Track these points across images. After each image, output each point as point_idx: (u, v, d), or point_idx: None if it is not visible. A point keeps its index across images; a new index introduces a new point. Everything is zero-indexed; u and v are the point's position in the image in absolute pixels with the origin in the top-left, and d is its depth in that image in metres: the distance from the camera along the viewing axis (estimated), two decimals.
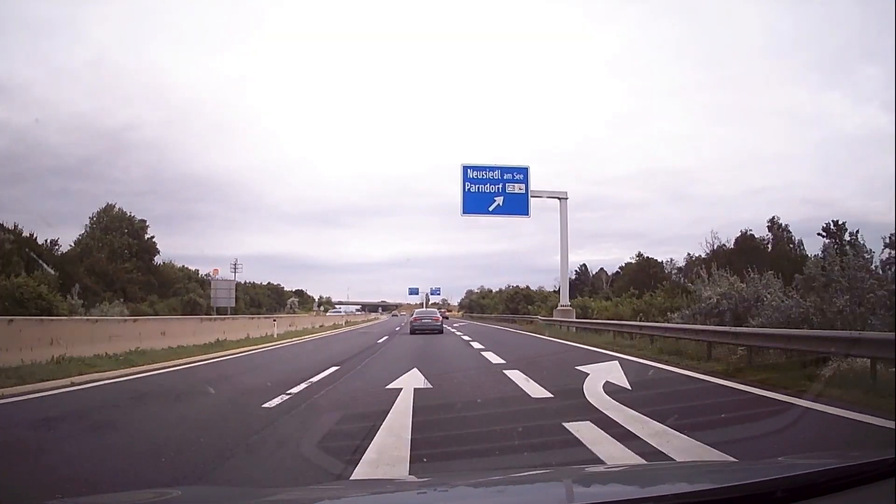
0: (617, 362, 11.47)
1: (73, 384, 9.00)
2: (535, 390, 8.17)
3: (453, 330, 30.24)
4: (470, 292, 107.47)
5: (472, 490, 2.50)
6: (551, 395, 7.70)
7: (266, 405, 7.06)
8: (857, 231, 24.56)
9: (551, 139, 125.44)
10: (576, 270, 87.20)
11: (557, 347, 17.33)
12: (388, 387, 8.48)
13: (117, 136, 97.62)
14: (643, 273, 66.95)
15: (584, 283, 78.22)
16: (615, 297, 40.18)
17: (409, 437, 5.27)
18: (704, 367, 10.67)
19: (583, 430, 5.32)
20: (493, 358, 13.44)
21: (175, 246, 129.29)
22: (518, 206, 28.52)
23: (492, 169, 28.77)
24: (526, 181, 28.76)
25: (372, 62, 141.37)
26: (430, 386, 8.64)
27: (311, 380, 9.36)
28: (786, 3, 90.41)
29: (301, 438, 5.40)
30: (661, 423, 5.50)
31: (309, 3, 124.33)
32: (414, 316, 32.72)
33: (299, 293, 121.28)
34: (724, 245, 63.23)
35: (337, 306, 69.90)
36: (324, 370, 10.88)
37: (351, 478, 4.07)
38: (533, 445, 4.95)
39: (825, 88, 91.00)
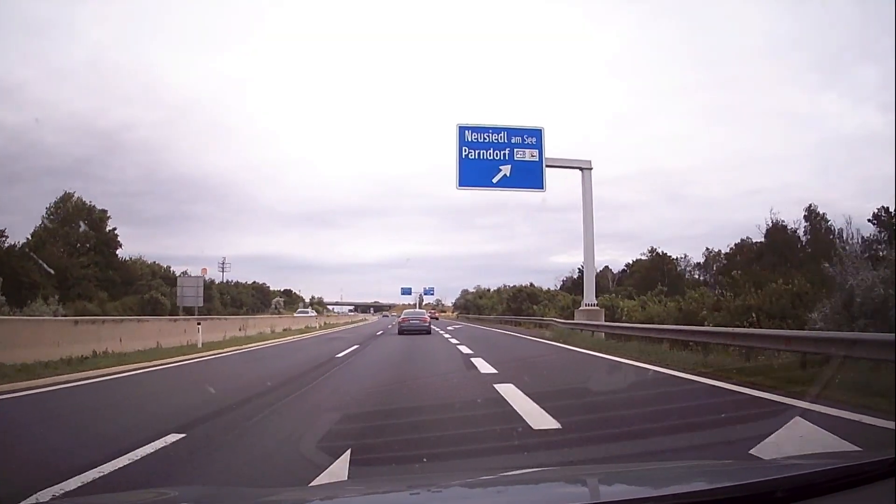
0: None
1: None
2: None
3: (446, 336, 23.82)
4: (465, 292, 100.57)
5: (470, 490, 2.42)
6: None
7: None
8: None
9: (548, 139, 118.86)
10: (578, 269, 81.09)
11: (635, 376, 10.00)
12: None
13: (113, 137, 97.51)
14: (656, 270, 60.22)
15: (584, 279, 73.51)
16: (637, 297, 33.44)
17: None
18: None
19: None
20: (528, 405, 6.53)
21: (171, 246, 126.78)
22: (530, 176, 21.82)
23: (496, 130, 22.03)
24: (540, 146, 22.08)
25: (369, 62, 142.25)
26: None
27: None
28: (783, 3, 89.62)
29: None
30: None
31: (304, 4, 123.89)
32: (402, 317, 32.18)
33: (287, 293, 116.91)
34: (748, 239, 56.90)
35: (304, 308, 62.69)
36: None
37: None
38: None
39: (823, 89, 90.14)
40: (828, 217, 44.72)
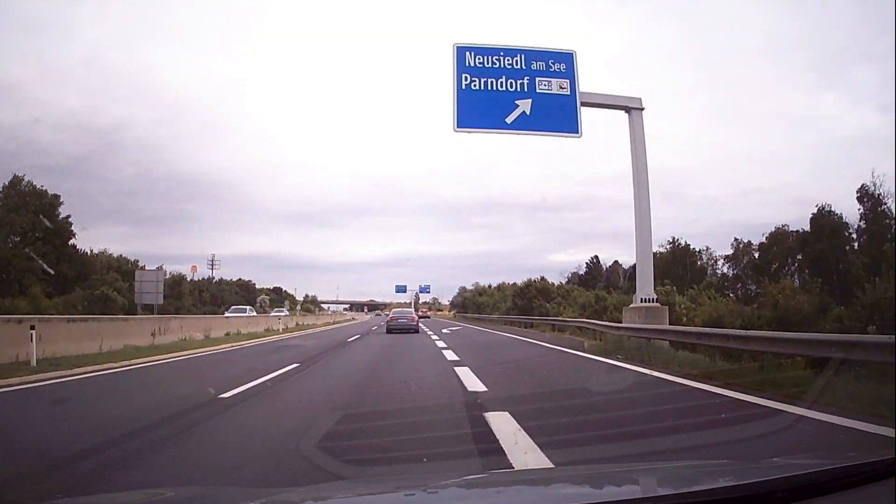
0: None
1: None
2: None
3: (440, 346, 16.83)
4: (463, 289, 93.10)
5: (470, 491, 2.44)
6: None
7: None
8: None
9: (544, 139, 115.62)
10: (586, 263, 74.18)
11: None
12: None
13: (109, 135, 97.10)
14: (677, 264, 52.78)
15: (596, 277, 66.47)
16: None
17: None
18: None
19: None
20: None
21: (168, 246, 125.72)
22: (559, 116, 14.78)
23: (510, 52, 15.10)
24: (572, 75, 14.94)
25: (366, 62, 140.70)
26: None
27: None
28: (782, 4, 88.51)
29: None
30: None
31: (302, 4, 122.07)
32: (390, 316, 32.92)
33: (277, 290, 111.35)
34: (784, 227, 49.72)
35: (280, 308, 55.47)
36: None
37: None
38: None
39: (821, 90, 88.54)
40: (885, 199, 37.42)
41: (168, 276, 63.90)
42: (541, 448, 4.16)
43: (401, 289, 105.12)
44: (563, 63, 15.59)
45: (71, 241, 49.78)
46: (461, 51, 15.37)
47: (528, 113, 14.90)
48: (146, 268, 65.41)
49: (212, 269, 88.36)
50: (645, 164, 15.23)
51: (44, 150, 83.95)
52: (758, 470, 2.33)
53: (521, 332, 27.50)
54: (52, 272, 43.68)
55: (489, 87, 14.99)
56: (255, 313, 45.82)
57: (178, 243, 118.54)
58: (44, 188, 49.31)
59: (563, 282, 60.59)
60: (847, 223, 42.02)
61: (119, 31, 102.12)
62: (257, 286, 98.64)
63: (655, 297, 14.73)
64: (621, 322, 15.19)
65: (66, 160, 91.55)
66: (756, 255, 49.20)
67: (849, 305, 20.00)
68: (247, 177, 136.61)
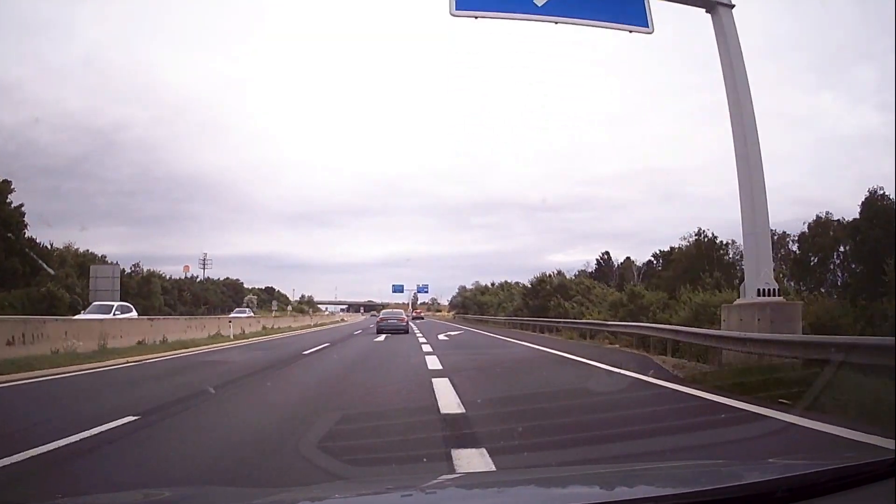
0: None
1: None
2: None
3: (434, 366, 11.38)
4: (463, 289, 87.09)
5: (470, 491, 2.44)
6: None
7: None
8: None
9: (543, 139, 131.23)
10: (597, 260, 68.36)
11: None
12: None
13: (108, 135, 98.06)
14: (702, 258, 46.23)
15: (606, 275, 61.18)
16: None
17: None
18: None
19: None
20: None
21: (166, 247, 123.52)
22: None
23: None
24: None
25: (365, 62, 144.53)
26: None
27: None
28: (781, 3, 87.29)
29: None
30: None
31: (300, 4, 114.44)
32: (380, 316, 33.21)
33: (269, 290, 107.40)
34: (828, 215, 43.65)
35: (242, 308, 49.81)
36: None
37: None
38: None
39: (820, 89, 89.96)
40: None
41: (144, 273, 58.62)
42: None
43: (398, 288, 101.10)
44: None
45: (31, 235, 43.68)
46: None
47: None
48: (141, 267, 60.16)
49: (203, 268, 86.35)
50: (746, 85, 9.38)
51: (43, 150, 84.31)
52: (758, 470, 2.39)
53: (540, 338, 21.53)
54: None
55: None
56: (251, 315, 40.63)
57: (178, 243, 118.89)
58: None
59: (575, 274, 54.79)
60: None
61: (118, 31, 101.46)
62: (250, 286, 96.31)
63: (776, 286, 8.71)
64: (721, 326, 9.16)
65: (65, 160, 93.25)
66: (792, 246, 42.94)
67: None
68: (246, 177, 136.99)
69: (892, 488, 1.79)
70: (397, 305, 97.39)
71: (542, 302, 31.80)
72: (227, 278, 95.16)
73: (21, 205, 45.77)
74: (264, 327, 29.16)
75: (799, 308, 8.89)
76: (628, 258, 72.21)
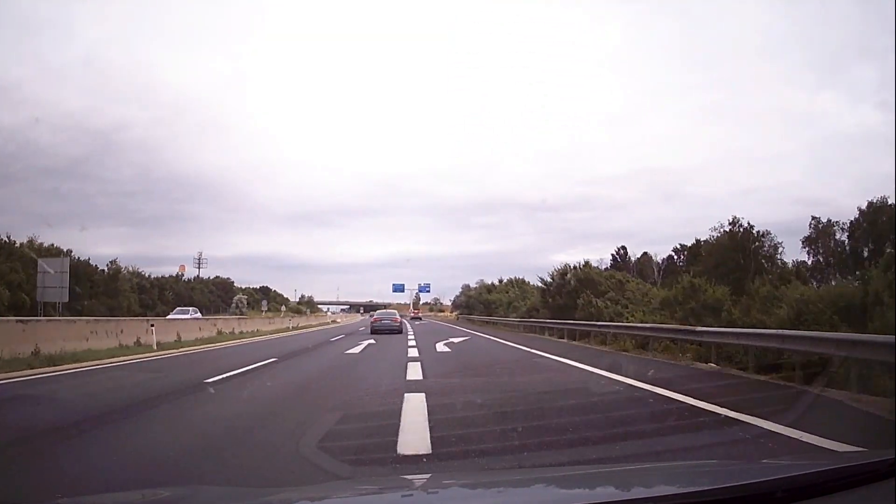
0: None
1: None
2: None
3: (415, 436, 5.30)
4: (466, 287, 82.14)
5: (470, 491, 2.44)
6: None
7: None
8: None
9: (543, 139, 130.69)
10: (612, 255, 63.50)
11: None
12: None
13: (108, 136, 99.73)
14: (737, 251, 40.38)
15: (623, 270, 56.26)
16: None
17: None
18: None
19: None
20: None
21: (167, 247, 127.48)
22: None
23: None
24: None
25: (365, 62, 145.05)
26: None
27: None
28: (780, 2, 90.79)
29: None
30: None
31: (299, 4, 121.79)
32: (374, 317, 34.75)
33: (264, 290, 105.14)
34: (882, 199, 38.23)
35: (184, 308, 43.99)
36: None
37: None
38: None
39: (820, 88, 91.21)
40: None
41: (111, 269, 53.21)
42: None
43: (398, 288, 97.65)
44: None
45: None
46: None
47: None
48: (118, 264, 55.26)
49: (198, 267, 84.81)
50: None
51: (43, 151, 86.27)
52: (758, 470, 2.40)
53: (576, 350, 16.14)
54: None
55: None
56: (199, 315, 35.11)
57: (179, 244, 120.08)
58: None
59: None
60: None
61: (118, 31, 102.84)
62: (245, 286, 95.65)
63: None
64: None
65: (65, 161, 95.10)
66: (839, 236, 37.65)
67: None
68: (247, 177, 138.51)
69: (892, 488, 1.80)
70: (399, 306, 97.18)
71: (567, 300, 26.08)
72: (218, 277, 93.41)
73: None
74: (220, 332, 23.73)
75: None
76: (646, 253, 67.35)
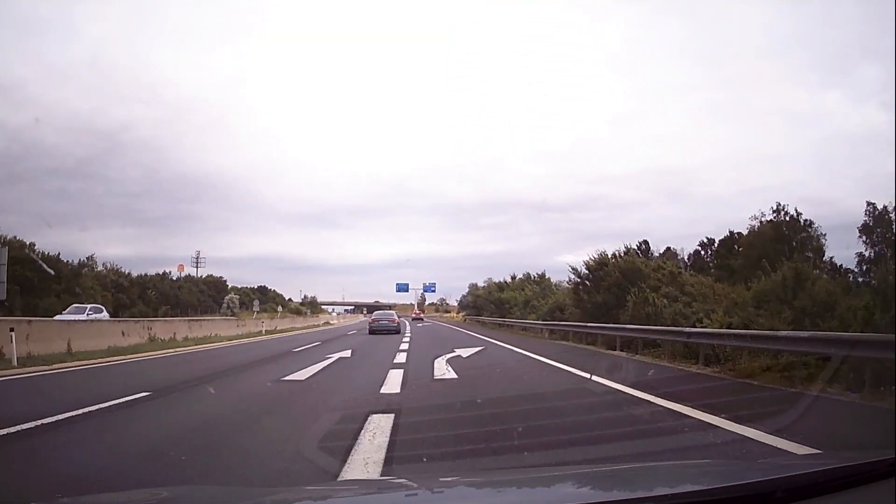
0: None
1: None
2: None
3: None
4: (474, 286, 76.36)
5: (470, 490, 2.47)
6: None
7: None
8: None
9: (548, 139, 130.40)
10: (634, 249, 56.52)
11: None
12: None
13: (114, 136, 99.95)
14: (782, 241, 35.62)
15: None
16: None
17: None
18: None
19: None
20: None
21: (171, 247, 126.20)
22: None
23: None
24: None
25: (370, 61, 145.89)
26: None
27: None
28: (785, 2, 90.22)
29: None
30: None
31: (305, 4, 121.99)
32: (372, 317, 34.65)
33: (261, 290, 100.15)
34: None
35: (81, 305, 37.01)
36: None
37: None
38: None
39: (824, 88, 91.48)
40: None
41: (75, 264, 47.83)
42: None
43: (402, 287, 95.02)
44: None
45: None
46: None
47: None
48: (94, 260, 50.65)
49: (196, 266, 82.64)
50: None
51: (48, 151, 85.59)
52: (758, 470, 2.45)
53: (669, 370, 10.27)
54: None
55: None
56: (107, 316, 29.22)
57: (185, 244, 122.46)
58: None
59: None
60: None
61: (122, 31, 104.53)
62: (244, 286, 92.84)
63: None
64: None
65: (71, 162, 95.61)
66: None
67: None
68: (253, 177, 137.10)
69: (892, 488, 1.81)
70: (404, 306, 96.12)
71: (607, 296, 19.81)
72: (211, 276, 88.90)
73: None
74: (153, 338, 18.17)
75: None
76: (669, 248, 60.43)
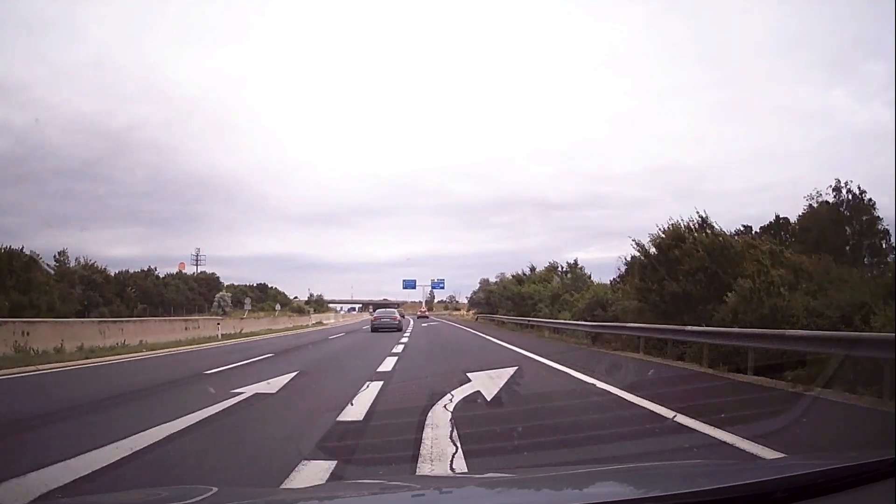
0: None
1: None
2: None
3: None
4: (485, 282, 69.88)
5: (471, 490, 2.49)
6: None
7: None
8: None
9: (556, 138, 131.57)
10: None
11: None
12: None
13: (120, 137, 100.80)
14: (842, 224, 30.82)
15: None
16: None
17: None
18: None
19: None
20: None
21: (175, 248, 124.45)
22: None
23: None
24: None
25: (376, 62, 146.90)
26: None
27: None
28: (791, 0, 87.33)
29: None
30: None
31: (313, 3, 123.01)
32: (374, 315, 34.58)
33: (261, 288, 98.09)
34: None
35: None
36: None
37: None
38: None
39: (831, 85, 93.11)
40: None
41: (27, 257, 41.84)
42: None
43: (409, 284, 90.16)
44: None
45: None
46: None
47: None
48: (88, 262, 49.05)
49: (196, 265, 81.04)
50: None
51: (55, 152, 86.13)
52: (758, 470, 2.44)
53: None
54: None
55: None
56: None
57: (192, 244, 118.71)
58: None
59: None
60: None
61: (126, 32, 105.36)
62: (243, 284, 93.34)
63: None
64: None
65: (77, 163, 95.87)
66: None
67: None
68: (260, 177, 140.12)
69: (892, 488, 1.80)
70: (412, 305, 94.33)
71: (692, 286, 13.01)
72: (203, 272, 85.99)
73: None
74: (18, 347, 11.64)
75: None
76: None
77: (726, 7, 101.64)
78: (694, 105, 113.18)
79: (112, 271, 60.03)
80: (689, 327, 13.42)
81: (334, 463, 4.57)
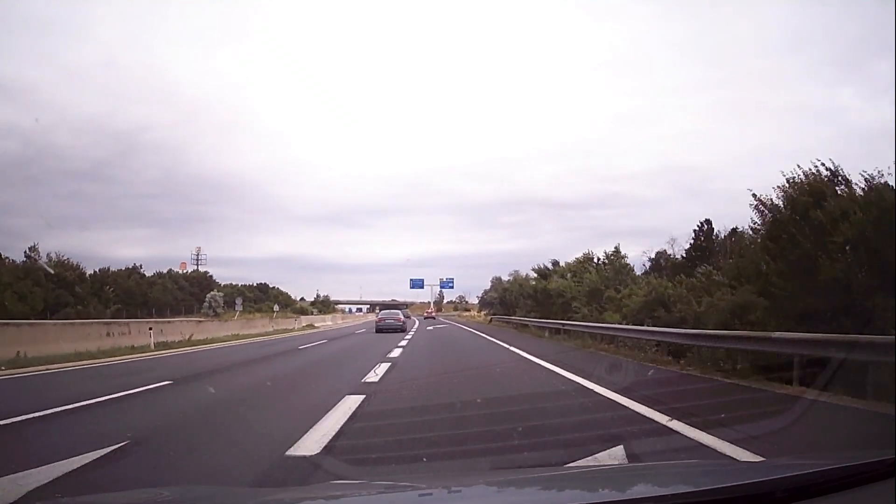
0: None
1: None
2: None
3: None
4: (497, 280, 65.06)
5: (471, 490, 2.49)
6: None
7: None
8: None
9: (565, 137, 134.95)
10: (694, 231, 46.04)
11: None
12: None
13: (130, 138, 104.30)
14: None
15: (708, 252, 42.21)
16: None
17: None
18: None
19: None
20: None
21: (182, 248, 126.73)
22: None
23: None
24: None
25: (386, 63, 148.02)
26: None
27: None
28: None
29: None
30: None
31: (321, 3, 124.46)
32: (379, 317, 35.03)
33: (261, 288, 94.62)
34: None
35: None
36: None
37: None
38: None
39: (839, 83, 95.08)
40: None
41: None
42: None
43: (416, 283, 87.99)
44: None
45: None
46: None
47: None
48: (62, 258, 48.34)
49: (196, 264, 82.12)
50: None
51: (65, 154, 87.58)
52: (758, 470, 2.44)
53: None
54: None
55: None
56: None
57: (201, 245, 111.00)
58: None
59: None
60: None
61: (135, 33, 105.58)
62: (243, 284, 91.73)
63: None
64: None
65: (87, 164, 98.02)
66: None
67: None
68: (269, 178, 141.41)
69: (892, 488, 1.80)
70: (421, 305, 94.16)
71: (853, 270, 7.44)
72: (196, 270, 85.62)
73: None
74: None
75: None
76: (735, 228, 48.21)
77: (735, 7, 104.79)
78: (702, 105, 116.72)
79: (88, 271, 55.29)
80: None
81: None
